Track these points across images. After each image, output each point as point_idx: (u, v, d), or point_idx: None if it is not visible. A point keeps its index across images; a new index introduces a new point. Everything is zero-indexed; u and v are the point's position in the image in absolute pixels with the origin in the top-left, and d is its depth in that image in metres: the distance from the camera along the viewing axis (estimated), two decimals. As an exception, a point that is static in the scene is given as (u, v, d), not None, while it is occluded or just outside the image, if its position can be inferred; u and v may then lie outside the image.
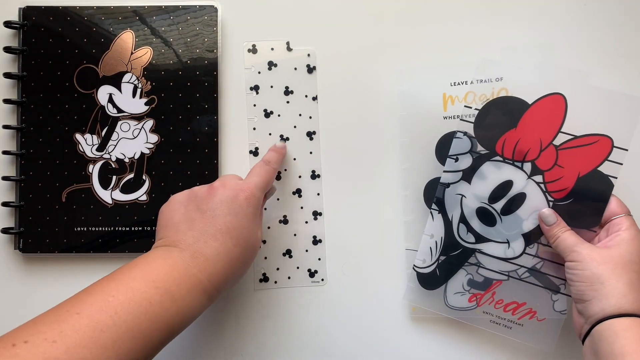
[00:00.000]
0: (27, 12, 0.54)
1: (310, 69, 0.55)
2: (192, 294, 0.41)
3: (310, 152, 0.55)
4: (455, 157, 0.50)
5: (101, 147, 0.54)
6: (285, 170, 0.55)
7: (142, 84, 0.54)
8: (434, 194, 0.51)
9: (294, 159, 0.55)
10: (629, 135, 0.47)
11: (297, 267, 0.55)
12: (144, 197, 0.54)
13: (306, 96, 0.55)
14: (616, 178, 0.48)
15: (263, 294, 0.55)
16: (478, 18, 0.55)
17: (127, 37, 0.54)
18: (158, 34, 0.54)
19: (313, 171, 0.55)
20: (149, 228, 0.53)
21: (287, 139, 0.55)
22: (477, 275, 0.51)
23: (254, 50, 0.55)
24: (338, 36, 0.55)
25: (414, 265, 0.52)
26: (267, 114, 0.55)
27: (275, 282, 0.55)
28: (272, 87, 0.55)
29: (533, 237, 0.50)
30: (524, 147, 0.48)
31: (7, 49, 0.53)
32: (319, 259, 0.55)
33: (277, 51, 0.55)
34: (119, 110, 0.54)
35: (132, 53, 0.54)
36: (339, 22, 0.55)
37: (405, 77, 0.54)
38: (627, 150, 0.47)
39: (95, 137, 0.54)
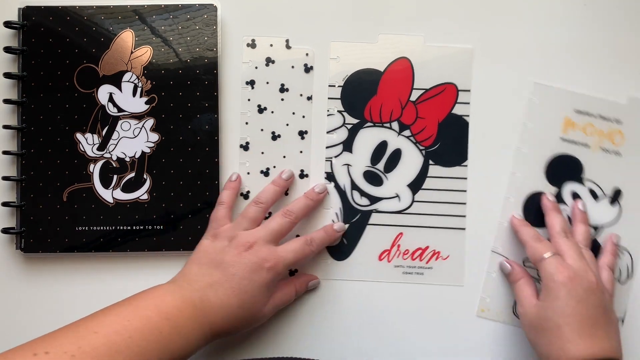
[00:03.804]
0: (27, 12, 0.54)
1: (308, 69, 0.55)
2: (196, 333, 0.44)
3: (301, 151, 0.55)
4: (332, 132, 0.55)
5: (102, 146, 0.54)
6: (275, 167, 0.55)
7: (143, 83, 0.54)
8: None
9: (284, 157, 0.55)
10: (469, 78, 0.54)
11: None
12: (145, 196, 0.54)
13: (301, 95, 0.55)
14: (468, 116, 0.54)
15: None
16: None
17: (127, 37, 0.54)
18: (158, 33, 0.54)
19: (302, 170, 0.55)
20: (150, 227, 0.54)
21: (279, 136, 0.55)
22: None
23: (252, 45, 0.55)
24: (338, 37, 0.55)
25: None
26: (261, 110, 0.55)
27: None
28: (267, 83, 0.55)
29: (417, 185, 0.54)
30: (388, 109, 0.54)
31: (7, 49, 0.54)
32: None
33: (276, 48, 0.55)
34: (120, 110, 0.54)
35: (132, 52, 0.54)
36: (339, 23, 0.55)
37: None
38: (469, 90, 0.54)
39: (95, 136, 0.54)
